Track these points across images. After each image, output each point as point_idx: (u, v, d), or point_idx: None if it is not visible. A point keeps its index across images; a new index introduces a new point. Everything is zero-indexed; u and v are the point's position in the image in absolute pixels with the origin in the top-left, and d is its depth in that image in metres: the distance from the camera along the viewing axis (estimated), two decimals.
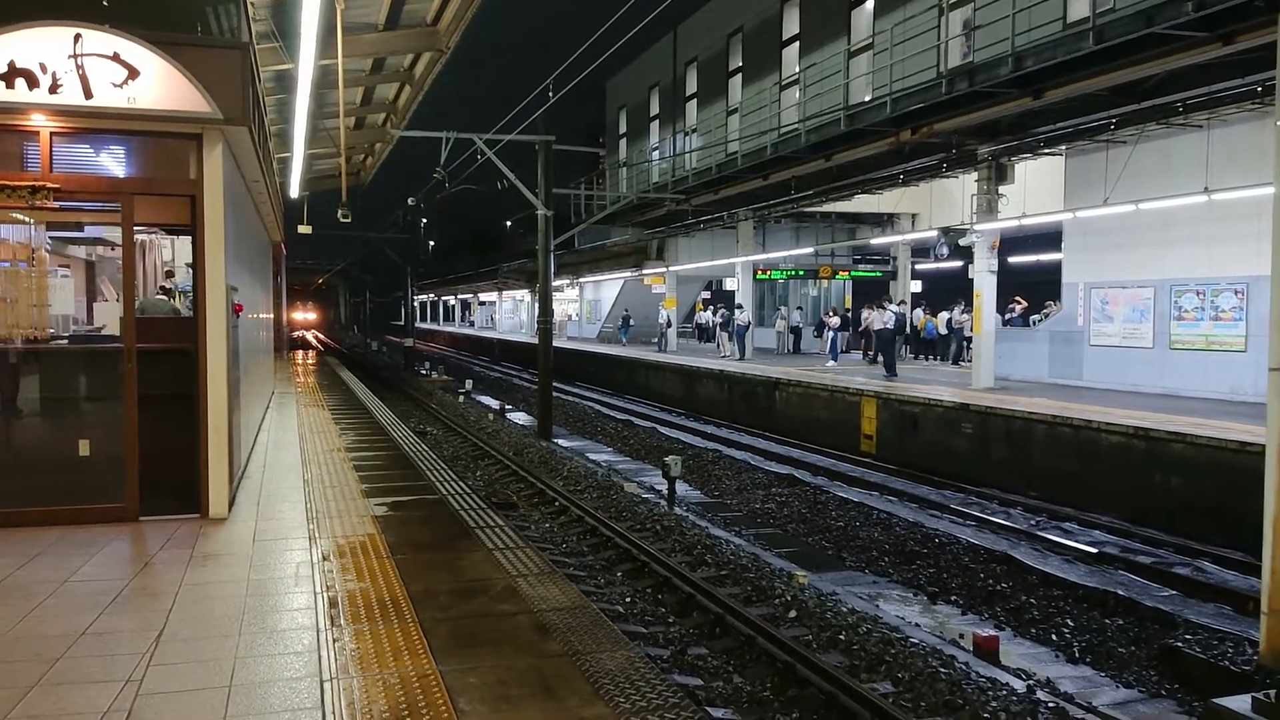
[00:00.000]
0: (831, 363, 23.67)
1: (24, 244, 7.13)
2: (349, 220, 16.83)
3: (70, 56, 6.33)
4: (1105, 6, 11.53)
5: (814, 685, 6.43)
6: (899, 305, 22.85)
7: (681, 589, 8.58)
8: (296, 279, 60.89)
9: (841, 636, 7.43)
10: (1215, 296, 14.90)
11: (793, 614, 8.02)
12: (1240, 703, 5.21)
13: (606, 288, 39.74)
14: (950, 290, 27.49)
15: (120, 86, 6.42)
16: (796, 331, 30.14)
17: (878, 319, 22.51)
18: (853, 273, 30.15)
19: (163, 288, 8.91)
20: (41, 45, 6.30)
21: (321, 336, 72.36)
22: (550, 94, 18.83)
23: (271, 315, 19.66)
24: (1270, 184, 5.17)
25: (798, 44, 19.91)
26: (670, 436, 19.83)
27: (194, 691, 3.98)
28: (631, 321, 37.48)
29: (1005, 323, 21.07)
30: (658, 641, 7.50)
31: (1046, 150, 16.28)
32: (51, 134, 6.62)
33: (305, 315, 78.33)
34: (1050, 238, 22.17)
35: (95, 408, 7.20)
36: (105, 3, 7.35)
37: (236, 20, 8.84)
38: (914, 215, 25.58)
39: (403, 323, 48.97)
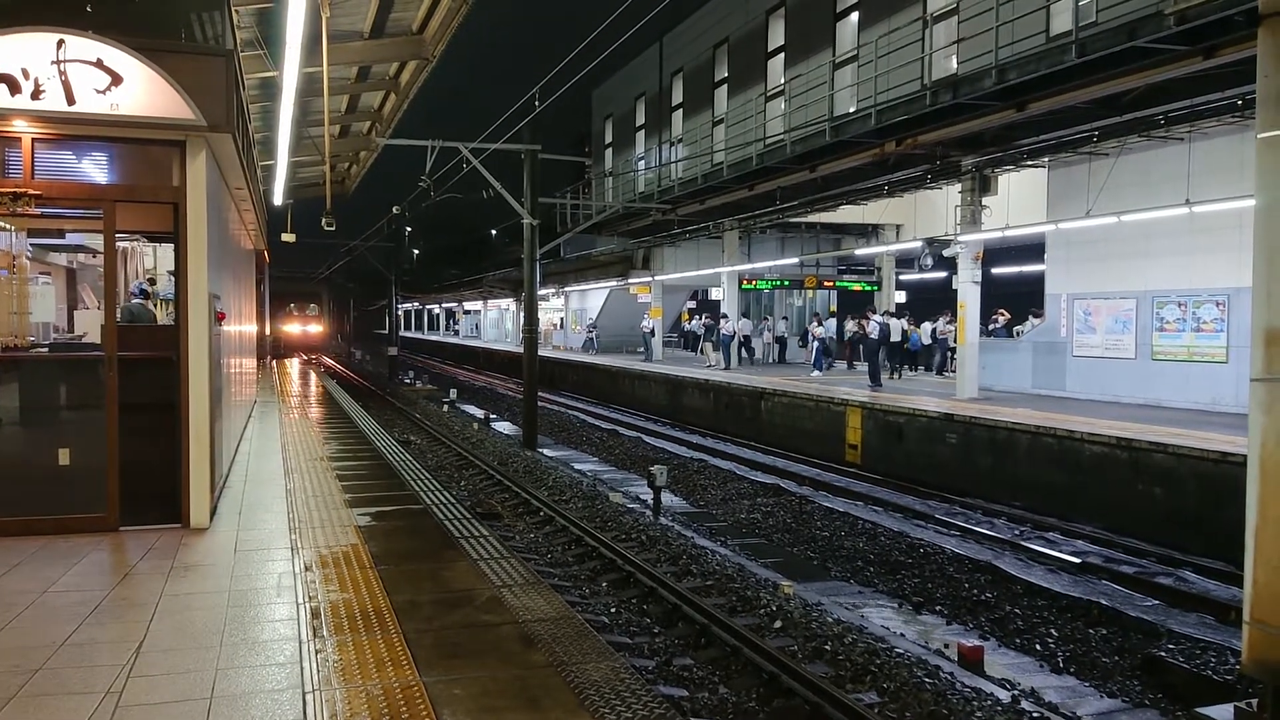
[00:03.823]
0: (816, 373, 23.73)
1: (4, 251, 7.07)
2: (333, 228, 16.76)
3: (53, 62, 6.27)
4: (1088, 20, 11.65)
5: (799, 696, 6.42)
6: (883, 315, 22.93)
7: (667, 599, 8.55)
8: (287, 287, 50.31)
9: (827, 647, 7.43)
10: (1197, 308, 15.02)
11: (778, 624, 8.01)
12: (1223, 712, 5.21)
13: (592, 297, 39.74)
14: (934, 301, 27.65)
15: (103, 93, 6.37)
16: (781, 341, 30.22)
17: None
18: (838, 283, 30.28)
19: (142, 290, 8.74)
20: (24, 50, 6.24)
21: (334, 364, 45.40)
22: (536, 103, 18.85)
23: (254, 323, 19.56)
24: (1251, 196, 5.21)
25: (783, 55, 20.02)
26: (656, 446, 19.81)
27: (175, 703, 3.94)
28: (593, 331, 37.67)
29: (989, 333, 21.17)
30: (643, 652, 7.47)
31: (1029, 162, 16.42)
32: (33, 140, 6.56)
33: (305, 329, 52.49)
34: (1033, 249, 22.33)
35: (76, 416, 7.12)
36: (89, 9, 7.30)
37: (221, 27, 8.80)
38: (898, 226, 25.75)
39: (387, 332, 48.72)
